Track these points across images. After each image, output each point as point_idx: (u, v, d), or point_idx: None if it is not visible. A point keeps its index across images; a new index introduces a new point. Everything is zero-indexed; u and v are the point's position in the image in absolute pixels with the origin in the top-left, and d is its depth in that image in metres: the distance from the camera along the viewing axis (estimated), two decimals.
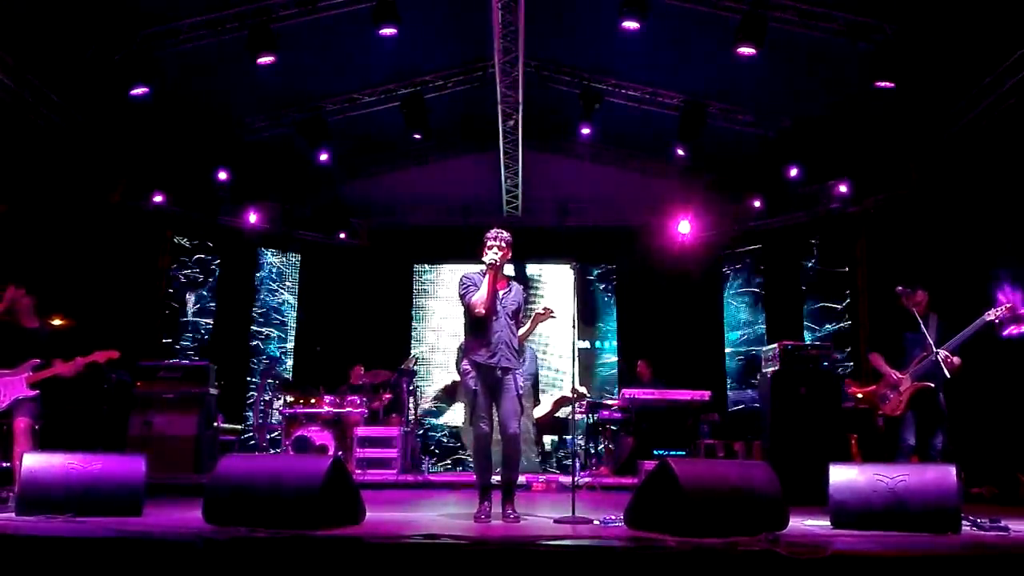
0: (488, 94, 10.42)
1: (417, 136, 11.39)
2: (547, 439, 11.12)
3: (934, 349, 5.86)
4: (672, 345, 12.02)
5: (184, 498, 6.12)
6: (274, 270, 12.76)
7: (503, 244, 5.25)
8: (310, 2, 9.04)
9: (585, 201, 12.96)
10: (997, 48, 8.31)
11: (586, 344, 12.78)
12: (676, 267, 12.28)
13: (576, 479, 6.72)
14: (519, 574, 3.27)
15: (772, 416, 7.44)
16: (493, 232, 5.31)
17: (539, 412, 10.03)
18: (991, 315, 5.87)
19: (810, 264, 11.70)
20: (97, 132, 10.40)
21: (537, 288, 12.79)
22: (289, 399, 9.78)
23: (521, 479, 6.83)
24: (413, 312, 13.05)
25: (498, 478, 5.28)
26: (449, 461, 12.33)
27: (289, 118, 11.27)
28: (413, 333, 12.94)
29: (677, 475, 4.07)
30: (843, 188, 10.73)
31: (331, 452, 8.96)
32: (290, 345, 12.55)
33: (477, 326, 5.23)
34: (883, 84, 8.50)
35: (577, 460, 9.57)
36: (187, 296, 11.81)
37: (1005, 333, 6.42)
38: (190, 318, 11.80)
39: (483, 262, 5.21)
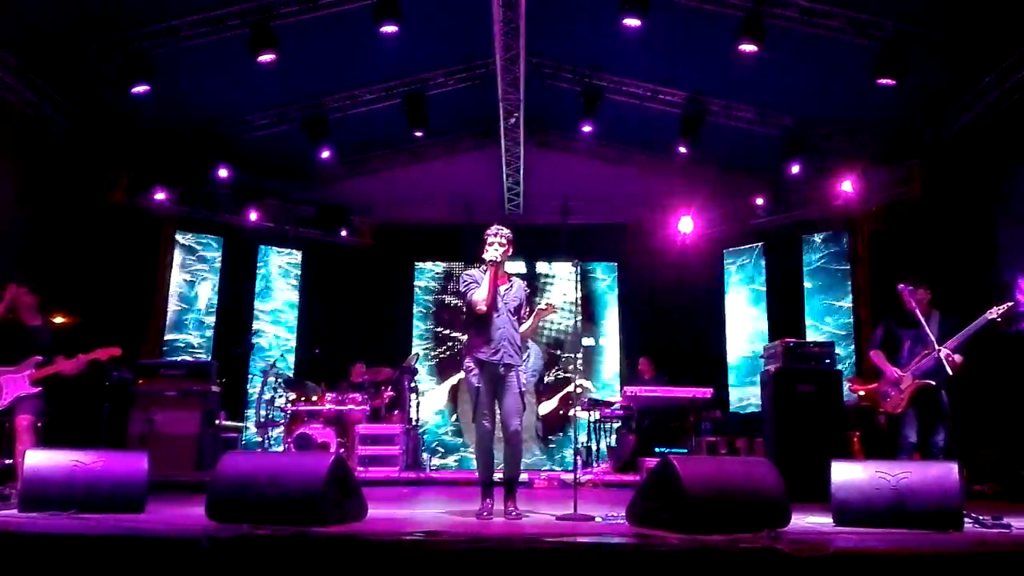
0: (489, 91, 10.41)
1: (418, 134, 11.41)
2: (550, 436, 11.15)
3: (936, 347, 5.85)
4: (674, 342, 12.02)
5: (186, 496, 6.13)
6: (276, 268, 12.76)
7: (503, 241, 5.25)
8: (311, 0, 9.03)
9: (587, 198, 12.95)
10: (1000, 45, 8.29)
11: (590, 341, 12.78)
12: (678, 264, 12.27)
13: (578, 476, 6.73)
14: (521, 572, 3.27)
15: (774, 413, 7.44)
16: (493, 229, 5.31)
17: (545, 409, 10.04)
18: (993, 313, 5.85)
19: (812, 261, 11.68)
20: (99, 130, 10.42)
21: (539, 285, 12.78)
22: (291, 397, 9.79)
23: (523, 476, 6.83)
24: (414, 309, 13.04)
25: (500, 475, 5.28)
26: (451, 460, 12.33)
27: (290, 116, 11.26)
28: (414, 330, 12.94)
29: (679, 473, 4.07)
30: (845, 185, 10.71)
31: (333, 450, 8.96)
32: (292, 343, 12.55)
33: (479, 323, 5.23)
34: (885, 81, 8.49)
35: (579, 457, 9.58)
36: (188, 294, 11.82)
37: (1017, 328, 6.39)
38: (191, 316, 11.81)
39: (484, 260, 5.21)
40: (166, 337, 11.42)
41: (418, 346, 12.69)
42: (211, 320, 11.94)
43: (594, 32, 9.98)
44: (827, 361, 7.53)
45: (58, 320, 7.52)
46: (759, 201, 11.76)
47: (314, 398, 9.65)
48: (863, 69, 8.64)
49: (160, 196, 11.19)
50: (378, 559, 3.36)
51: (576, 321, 5.80)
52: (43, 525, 4.01)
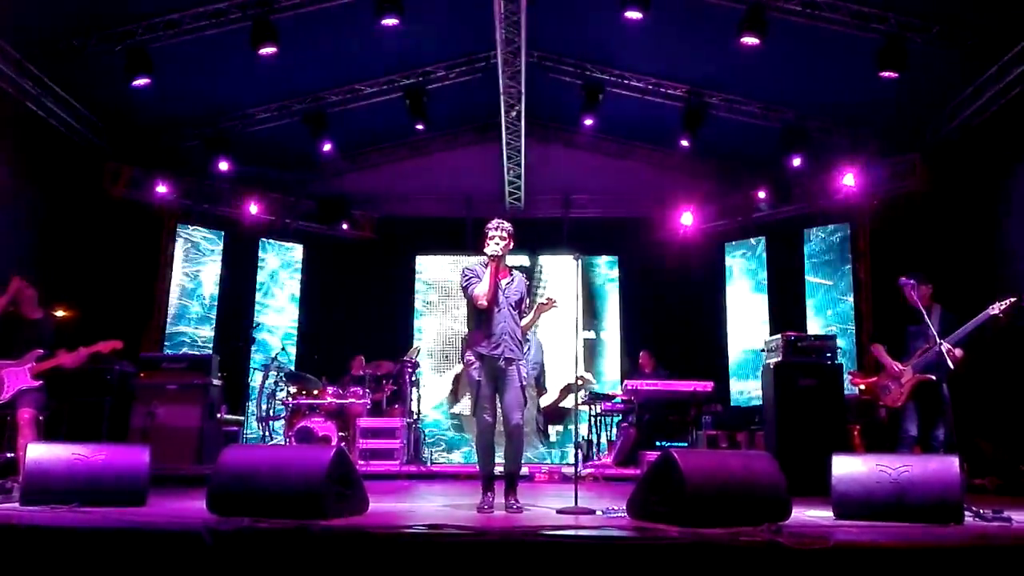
0: (491, 85, 10.40)
1: (420, 127, 11.40)
2: (552, 428, 11.17)
3: (937, 341, 5.85)
4: (675, 336, 12.03)
5: (187, 489, 6.13)
6: (277, 261, 12.76)
7: (504, 235, 5.24)
8: None
9: (588, 192, 12.96)
10: (1002, 38, 8.27)
11: (591, 334, 12.79)
12: (679, 258, 12.26)
13: (579, 470, 6.73)
14: (522, 565, 3.27)
15: (775, 407, 7.44)
16: (494, 223, 5.30)
17: (546, 401, 10.05)
18: (995, 308, 5.86)
19: (813, 255, 11.67)
20: (99, 123, 10.41)
21: (540, 279, 12.78)
22: (292, 390, 9.80)
23: (524, 470, 6.83)
24: (415, 303, 13.04)
25: (501, 468, 5.28)
26: (453, 452, 12.35)
27: (291, 109, 11.25)
28: (416, 324, 12.94)
29: (680, 466, 4.07)
30: (847, 179, 10.70)
31: (334, 443, 8.97)
32: (293, 336, 12.55)
33: (480, 317, 5.23)
34: (888, 74, 8.48)
35: (580, 451, 9.59)
36: (189, 287, 11.82)
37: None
38: (193, 309, 11.82)
39: (485, 254, 5.20)
40: (167, 330, 11.43)
41: (418, 339, 12.68)
42: (212, 313, 11.95)
43: (596, 25, 9.95)
44: (828, 355, 7.53)
45: (59, 313, 7.52)
46: (761, 194, 11.74)
47: (315, 392, 9.66)
48: (865, 63, 8.63)
49: (161, 189, 11.19)
50: (379, 552, 3.36)
51: (577, 314, 5.84)
52: (45, 518, 4.02)
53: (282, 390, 9.97)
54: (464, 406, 12.03)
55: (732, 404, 11.48)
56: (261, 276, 12.53)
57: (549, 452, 11.91)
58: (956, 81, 9.17)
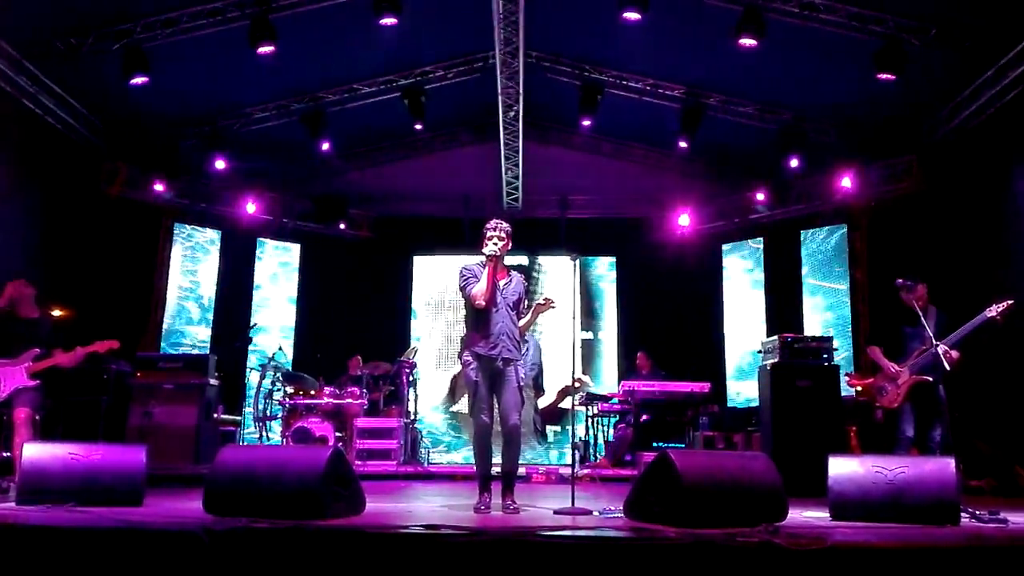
0: (488, 85, 10.39)
1: (418, 127, 11.40)
2: (549, 429, 11.17)
3: (934, 343, 5.86)
4: (672, 337, 12.03)
5: (184, 489, 6.14)
6: (274, 260, 12.75)
7: (503, 235, 5.24)
8: None
9: (586, 193, 12.96)
10: (998, 41, 8.29)
11: (588, 335, 12.79)
12: (676, 259, 12.27)
13: (576, 470, 6.74)
14: (518, 565, 3.27)
15: (772, 408, 7.45)
16: (492, 223, 5.30)
17: (544, 402, 10.05)
18: (992, 311, 5.87)
19: (810, 256, 11.69)
20: (97, 121, 10.40)
21: (538, 280, 12.78)
22: (289, 390, 9.79)
23: (521, 470, 6.84)
24: (413, 303, 13.04)
25: (498, 469, 5.28)
26: (450, 452, 12.34)
27: (289, 108, 11.25)
28: (412, 324, 12.93)
29: (676, 467, 4.07)
30: (844, 180, 10.71)
31: (331, 443, 8.97)
32: (290, 336, 12.54)
33: (478, 317, 5.23)
34: (885, 76, 8.49)
35: (577, 451, 9.60)
36: (186, 286, 11.81)
37: None
38: (189, 308, 11.80)
39: (483, 254, 5.20)
40: (164, 330, 11.42)
41: (415, 339, 12.68)
42: (209, 313, 11.94)
43: (594, 26, 9.96)
44: (825, 356, 7.54)
45: (56, 313, 7.52)
46: (758, 196, 11.75)
47: (312, 392, 9.66)
48: (862, 64, 8.64)
49: (159, 188, 11.17)
50: (376, 552, 3.36)
51: (574, 315, 5.84)
52: (41, 518, 4.01)
53: (279, 390, 9.96)
54: (462, 406, 12.04)
55: (729, 405, 11.49)
56: (258, 276, 12.52)
57: (546, 453, 11.91)
58: (953, 83, 9.19)
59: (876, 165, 10.59)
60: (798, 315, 11.49)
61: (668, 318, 12.34)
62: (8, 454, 5.94)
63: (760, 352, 8.18)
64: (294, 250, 12.92)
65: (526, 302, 5.47)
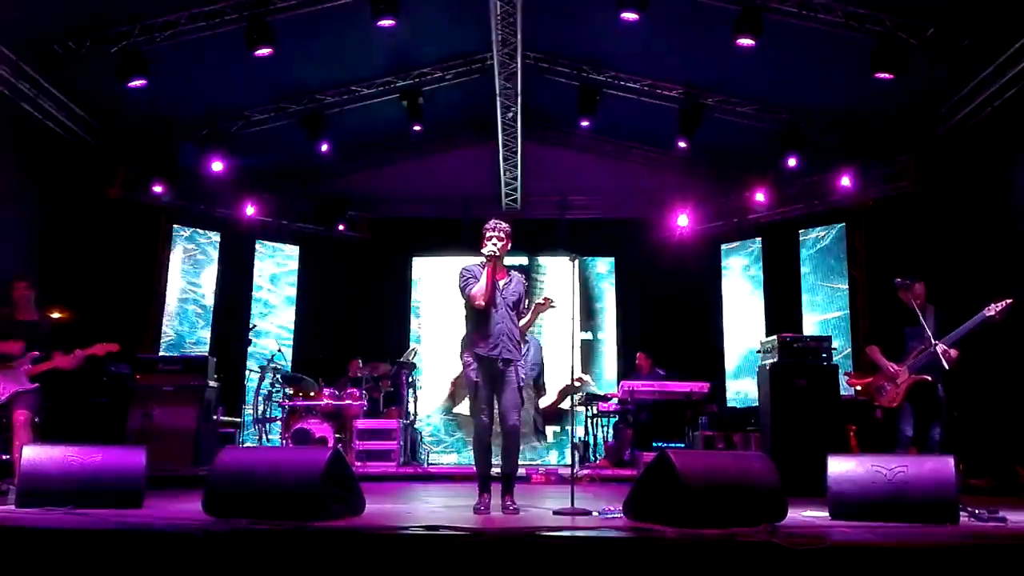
0: (487, 86, 10.40)
1: (417, 128, 11.40)
2: (549, 429, 11.17)
3: (932, 342, 5.87)
4: (672, 337, 12.03)
5: (184, 490, 6.14)
6: (273, 262, 12.76)
7: (502, 235, 5.23)
8: None
9: (584, 193, 12.97)
10: (996, 40, 8.29)
11: (587, 335, 12.80)
12: (675, 259, 12.28)
13: (575, 471, 6.74)
14: (518, 565, 3.28)
15: (771, 408, 7.45)
16: (491, 223, 5.30)
17: (545, 402, 10.06)
18: (991, 311, 5.87)
19: (809, 256, 11.70)
20: (96, 124, 10.40)
21: (538, 280, 12.79)
22: (288, 392, 9.79)
23: (520, 471, 6.84)
24: (412, 304, 13.04)
25: (498, 470, 5.28)
26: (450, 453, 12.34)
27: (288, 110, 11.25)
28: (412, 325, 12.94)
29: (676, 466, 4.08)
30: (842, 180, 10.72)
31: (331, 444, 8.97)
32: (290, 338, 12.55)
33: (478, 318, 5.22)
34: (882, 75, 8.50)
35: (576, 452, 9.60)
36: (186, 288, 11.81)
37: None
38: (189, 310, 11.80)
39: (483, 254, 5.20)
40: (164, 332, 11.41)
41: (415, 341, 12.68)
42: (209, 315, 11.94)
43: (592, 26, 9.96)
44: (824, 355, 7.54)
45: (56, 315, 7.50)
46: (757, 196, 11.76)
47: (312, 393, 9.66)
48: (860, 64, 8.64)
49: (158, 190, 11.16)
50: (376, 553, 3.37)
51: (573, 315, 5.84)
52: (41, 520, 4.02)
53: (279, 392, 9.97)
54: (462, 407, 12.04)
55: (728, 405, 11.50)
56: (258, 277, 12.53)
57: (546, 453, 11.92)
58: (951, 82, 9.19)
59: (874, 164, 10.60)
60: (797, 315, 11.50)
61: (667, 318, 12.34)
62: (8, 457, 5.93)
63: (759, 352, 8.19)
64: (293, 252, 12.92)
65: (526, 302, 5.46)
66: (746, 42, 8.44)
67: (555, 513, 4.97)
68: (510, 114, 10.61)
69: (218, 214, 12.09)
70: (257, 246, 12.58)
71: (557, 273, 12.86)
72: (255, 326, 11.29)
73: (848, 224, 11.22)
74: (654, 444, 8.93)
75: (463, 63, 11.16)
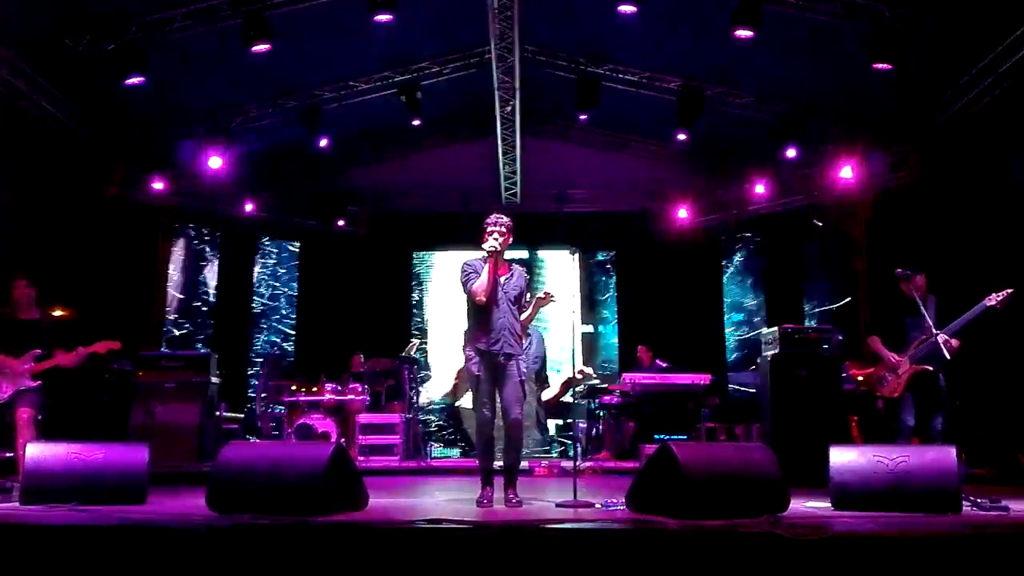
0: (485, 80, 10.38)
1: (416, 122, 11.38)
2: (551, 423, 11.18)
3: (934, 332, 5.87)
4: (673, 329, 12.03)
5: (187, 486, 6.14)
6: (273, 258, 12.76)
7: (503, 229, 5.22)
8: None
9: (584, 187, 12.95)
10: (995, 29, 8.27)
11: (589, 328, 12.81)
12: (676, 251, 12.28)
13: (578, 463, 6.75)
14: (522, 558, 3.28)
15: (772, 399, 7.46)
16: (493, 217, 5.29)
17: (548, 395, 10.07)
18: (992, 300, 5.87)
19: (810, 248, 11.69)
20: (94, 121, 10.38)
21: (538, 274, 12.79)
22: (291, 387, 9.80)
23: (523, 464, 6.85)
24: (412, 299, 13.05)
25: (500, 463, 5.29)
26: (453, 447, 12.37)
27: (286, 106, 11.22)
28: (413, 320, 12.95)
29: (678, 458, 4.08)
30: (843, 171, 10.70)
31: (333, 439, 8.98)
32: (291, 333, 12.56)
33: (479, 313, 5.22)
34: (881, 66, 8.47)
35: (579, 444, 9.61)
36: (187, 285, 11.81)
37: None
38: (191, 307, 11.81)
39: (483, 249, 5.19)
40: (165, 328, 11.43)
41: (416, 335, 12.69)
42: (210, 311, 11.94)
43: (590, 19, 9.93)
44: (825, 346, 7.54)
45: (57, 313, 7.51)
46: (757, 187, 11.74)
47: (314, 388, 9.67)
48: (859, 54, 8.61)
49: (157, 186, 11.15)
50: (379, 547, 3.37)
51: (575, 309, 5.84)
52: (45, 517, 4.03)
53: (281, 387, 9.98)
54: (465, 401, 12.05)
55: (730, 397, 11.51)
56: (258, 273, 12.53)
57: (549, 446, 11.93)
58: (950, 72, 9.16)
59: (875, 155, 10.57)
60: (798, 306, 11.50)
61: (668, 310, 12.34)
62: (11, 454, 5.95)
63: (761, 343, 8.19)
64: (294, 248, 12.91)
65: (528, 296, 5.46)
66: (744, 33, 8.41)
67: (558, 506, 4.98)
68: (508, 108, 10.59)
69: (218, 211, 12.08)
70: (257, 242, 12.57)
71: (557, 267, 12.86)
72: (256, 321, 11.28)
73: (848, 215, 11.18)
74: (656, 436, 8.94)
75: (461, 57, 11.13)
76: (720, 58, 9.98)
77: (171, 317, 11.56)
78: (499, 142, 11.42)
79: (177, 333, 11.54)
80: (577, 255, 5.93)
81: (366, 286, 12.83)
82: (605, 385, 10.56)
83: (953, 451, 4.45)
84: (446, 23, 10.34)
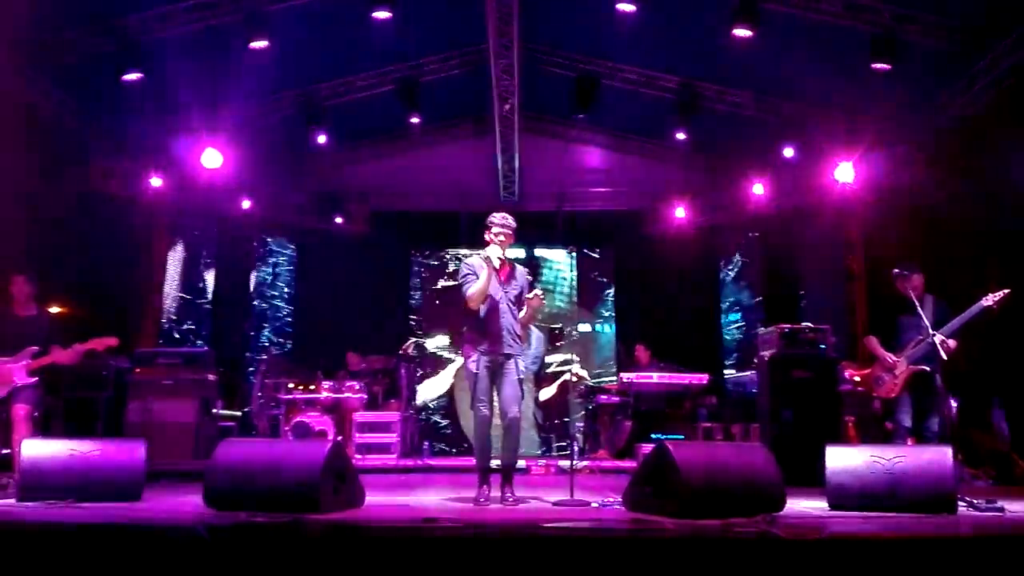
0: (484, 78, 10.37)
1: (414, 120, 11.37)
2: (548, 422, 11.17)
3: (930, 332, 5.88)
4: (670, 329, 12.03)
5: (183, 484, 6.14)
6: (271, 256, 12.74)
7: (509, 231, 5.24)
8: None
9: (583, 185, 12.95)
10: (994, 28, 8.27)
11: (586, 327, 12.81)
12: (674, 250, 12.27)
13: (575, 463, 6.75)
14: (518, 557, 3.28)
15: (769, 399, 7.46)
16: (500, 218, 5.28)
17: (546, 395, 10.07)
18: (988, 300, 5.87)
19: (807, 247, 11.68)
20: (91, 118, 10.35)
21: (536, 273, 12.80)
22: (288, 385, 9.79)
23: (520, 463, 6.85)
24: (410, 297, 13.04)
25: (498, 462, 5.29)
26: (450, 446, 12.36)
27: (284, 103, 11.21)
28: (410, 318, 12.94)
29: (675, 458, 4.09)
30: (841, 171, 10.69)
31: (330, 437, 8.98)
32: (289, 331, 12.54)
33: (479, 313, 5.22)
34: (880, 66, 8.47)
35: (576, 444, 9.61)
36: (185, 282, 11.79)
37: None
38: (188, 304, 11.79)
39: (488, 255, 5.17)
40: (162, 326, 11.41)
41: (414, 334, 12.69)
42: (207, 308, 11.93)
43: (589, 18, 9.92)
44: (822, 346, 7.54)
45: (54, 310, 7.50)
46: (755, 187, 11.74)
47: (311, 386, 9.66)
48: (858, 54, 8.61)
49: (156, 182, 11.12)
50: (375, 546, 3.37)
51: (572, 308, 5.82)
52: (41, 514, 4.03)
53: (278, 385, 9.97)
54: (462, 400, 12.06)
55: (727, 397, 11.51)
56: (255, 271, 12.51)
57: (546, 445, 11.93)
58: (950, 72, 9.16)
59: (873, 155, 10.56)
60: (795, 305, 11.50)
61: (666, 310, 12.34)
62: (8, 451, 5.94)
63: (758, 343, 8.19)
64: (291, 246, 12.90)
65: (527, 292, 5.45)
66: (743, 33, 8.41)
67: (555, 505, 4.99)
68: (507, 106, 10.57)
69: (216, 208, 12.05)
70: (254, 239, 12.55)
71: (555, 266, 12.85)
72: (254, 319, 11.28)
73: (846, 214, 11.18)
74: (653, 436, 8.94)
75: (459, 55, 11.12)
76: (719, 58, 9.97)
77: (168, 315, 11.53)
78: (498, 140, 11.41)
79: (175, 330, 11.52)
80: (575, 254, 5.92)
81: (364, 284, 12.82)
82: (602, 385, 10.56)
83: (949, 452, 4.46)
84: (444, 21, 10.33)
